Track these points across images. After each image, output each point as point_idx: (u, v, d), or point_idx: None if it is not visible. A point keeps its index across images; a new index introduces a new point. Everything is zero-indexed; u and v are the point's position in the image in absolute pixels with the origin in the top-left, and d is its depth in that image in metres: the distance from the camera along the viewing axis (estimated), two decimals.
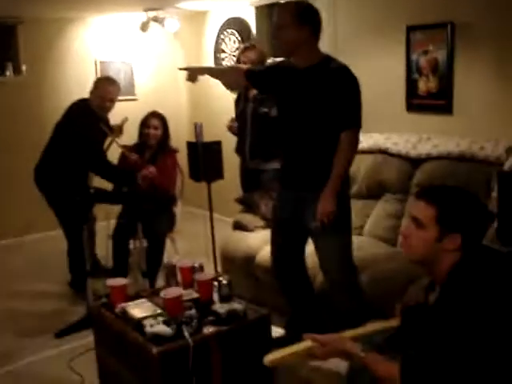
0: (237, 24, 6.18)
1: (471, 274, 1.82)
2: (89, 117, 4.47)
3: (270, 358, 2.13)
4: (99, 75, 6.46)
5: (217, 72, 3.89)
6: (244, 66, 3.64)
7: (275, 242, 3.44)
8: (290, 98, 3.14)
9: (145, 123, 4.68)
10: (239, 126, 4.63)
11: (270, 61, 5.26)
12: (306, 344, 2.04)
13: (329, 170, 3.05)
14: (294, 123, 3.15)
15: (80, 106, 4.56)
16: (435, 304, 1.90)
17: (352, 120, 3.03)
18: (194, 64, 6.99)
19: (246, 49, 4.59)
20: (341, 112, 3.00)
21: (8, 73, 6.29)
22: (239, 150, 4.67)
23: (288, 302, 3.53)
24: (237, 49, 6.05)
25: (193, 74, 3.61)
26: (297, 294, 3.50)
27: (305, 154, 3.13)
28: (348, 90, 3.00)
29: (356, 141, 3.06)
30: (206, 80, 6.87)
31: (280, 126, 3.29)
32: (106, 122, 4.69)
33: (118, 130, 4.74)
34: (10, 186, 6.23)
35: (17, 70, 6.32)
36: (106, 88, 4.55)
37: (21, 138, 6.15)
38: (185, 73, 3.67)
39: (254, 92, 4.48)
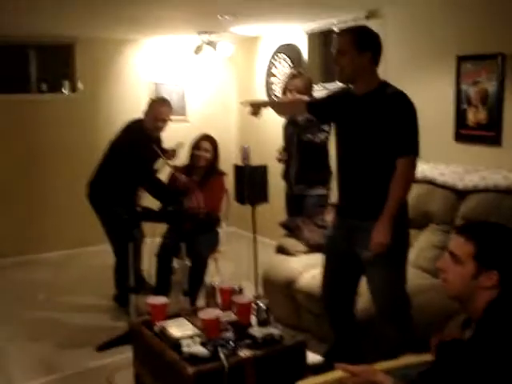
0: (289, 50, 6.25)
1: (507, 311, 1.79)
2: (142, 137, 4.62)
3: None
4: (152, 96, 6.61)
5: (279, 105, 3.87)
6: (305, 98, 3.63)
7: (327, 272, 3.37)
8: (348, 124, 3.13)
9: (196, 145, 4.79)
10: (286, 151, 4.67)
11: (318, 87, 5.33)
12: (337, 373, 2.04)
13: (385, 199, 2.98)
14: (350, 150, 3.12)
15: (135, 126, 4.71)
16: (470, 341, 1.87)
17: (409, 147, 2.97)
18: (246, 89, 7.12)
19: (293, 76, 4.64)
20: (398, 138, 2.95)
21: (64, 90, 6.52)
22: (285, 175, 4.72)
23: (332, 331, 3.47)
24: (287, 73, 6.11)
25: (256, 108, 3.62)
26: (343, 324, 3.42)
27: (361, 182, 3.07)
28: (405, 116, 2.96)
29: (413, 168, 3.00)
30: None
31: (336, 153, 3.26)
32: (159, 142, 4.82)
33: (172, 154, 4.85)
34: (64, 200, 6.44)
35: (73, 88, 6.54)
36: (159, 109, 4.69)
37: (75, 153, 6.36)
38: (242, 104, 3.71)
39: (301, 118, 4.52)
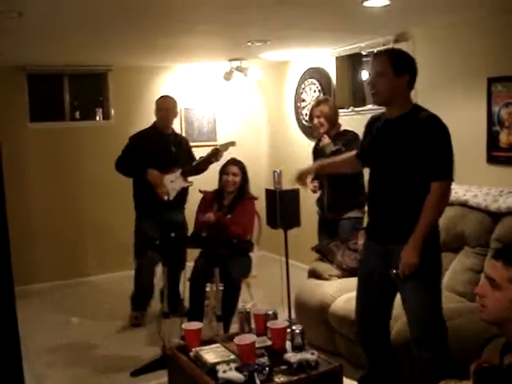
0: (317, 74, 6.30)
1: None
2: (150, 131, 5.15)
3: None
4: (183, 122, 6.74)
5: (330, 165, 3.82)
6: (353, 152, 3.61)
7: (360, 296, 3.36)
8: (381, 147, 3.13)
9: (224, 170, 4.82)
10: (319, 179, 4.68)
11: (347, 110, 5.35)
12: None
13: (416, 223, 2.98)
14: (383, 173, 3.12)
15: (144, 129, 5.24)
16: (510, 367, 1.86)
17: (444, 171, 2.97)
18: (275, 113, 7.17)
19: (318, 103, 4.68)
20: (432, 162, 2.94)
21: (98, 118, 6.65)
22: (319, 201, 4.74)
23: (366, 358, 3.44)
24: (316, 97, 6.14)
25: (304, 178, 3.64)
26: (377, 350, 3.39)
27: (393, 205, 3.06)
28: (439, 140, 2.96)
29: (447, 192, 3.00)
30: (286, 127, 7.03)
31: (369, 177, 3.27)
32: (179, 143, 5.16)
33: (217, 154, 5.00)
34: (101, 226, 6.60)
35: (106, 115, 6.67)
36: (161, 102, 5.19)
37: (107, 180, 6.44)
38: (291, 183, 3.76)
39: (329, 150, 4.52)
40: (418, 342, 3.10)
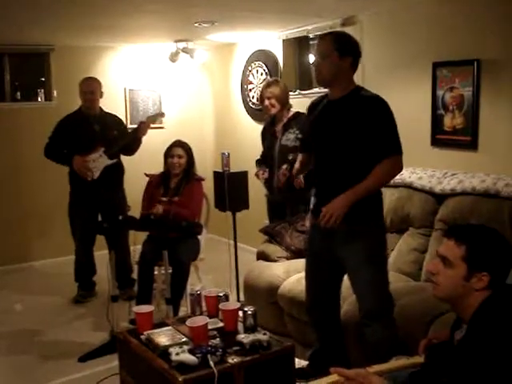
0: (264, 56, 6.29)
1: (498, 312, 1.84)
2: (75, 115, 5.16)
3: None
4: (128, 102, 6.64)
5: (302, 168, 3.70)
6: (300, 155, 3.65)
7: (310, 276, 3.41)
8: (324, 128, 3.16)
9: (169, 152, 4.75)
10: (268, 160, 4.68)
11: (294, 93, 5.36)
12: (332, 378, 2.07)
13: (365, 202, 3.04)
14: (328, 154, 3.15)
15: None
16: (461, 342, 1.92)
17: (393, 146, 3.03)
18: (222, 95, 7.15)
19: (269, 84, 4.68)
20: (381, 140, 3.00)
21: (40, 99, 6.48)
22: (267, 183, 4.73)
23: (316, 335, 3.50)
24: (263, 80, 6.15)
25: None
26: (327, 328, 3.46)
27: (338, 186, 3.07)
28: (384, 118, 3.02)
29: (398, 167, 3.05)
30: (233, 109, 7.02)
31: (313, 158, 3.30)
32: (107, 124, 5.14)
33: (141, 126, 5.00)
34: (42, 208, 6.46)
35: (48, 96, 6.50)
36: (85, 84, 5.15)
37: (48, 162, 6.29)
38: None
39: (279, 127, 4.57)
40: (369, 316, 3.17)
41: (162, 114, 5.14)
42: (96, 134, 5.04)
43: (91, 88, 5.10)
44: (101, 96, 5.22)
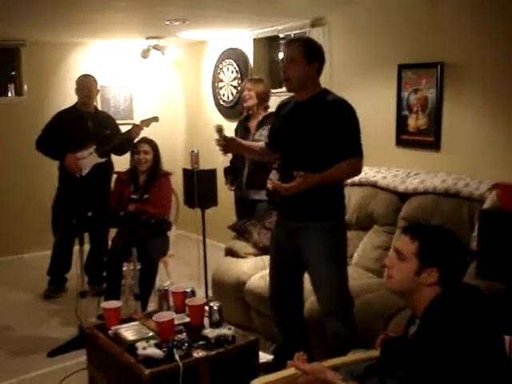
0: (235, 54, 6.34)
1: (448, 309, 1.93)
2: (71, 110, 5.16)
3: (256, 383, 2.23)
4: (99, 99, 6.62)
5: (248, 149, 3.77)
6: (261, 144, 3.72)
7: (273, 272, 3.50)
8: (289, 128, 3.26)
9: (135, 149, 4.79)
10: (238, 154, 4.76)
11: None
12: (290, 371, 2.15)
13: (329, 201, 3.18)
14: (294, 154, 3.24)
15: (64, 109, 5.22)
16: (414, 337, 2.01)
17: (354, 149, 3.13)
18: (193, 93, 7.18)
19: (253, 80, 4.76)
20: (342, 142, 3.10)
21: (10, 94, 6.45)
22: (235, 179, 4.81)
23: (279, 330, 3.59)
24: (234, 78, 6.21)
25: (229, 148, 3.60)
26: (290, 323, 3.55)
27: None
28: (348, 121, 3.12)
29: (357, 168, 3.16)
30: (203, 107, 7.05)
31: (279, 156, 3.39)
32: (94, 116, 5.18)
33: (135, 129, 5.07)
34: (12, 202, 6.44)
35: (18, 92, 6.48)
36: (81, 81, 5.19)
37: (20, 157, 6.29)
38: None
39: (254, 123, 4.64)
40: (329, 313, 3.27)
41: (155, 119, 5.14)
42: (89, 131, 5.06)
43: (88, 85, 5.16)
44: (96, 93, 5.32)
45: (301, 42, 3.23)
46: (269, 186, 4.31)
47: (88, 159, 4.96)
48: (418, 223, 2.46)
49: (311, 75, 3.16)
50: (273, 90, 5.82)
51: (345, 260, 3.36)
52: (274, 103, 3.89)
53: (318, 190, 3.14)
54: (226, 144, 3.46)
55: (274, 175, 4.42)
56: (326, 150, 3.12)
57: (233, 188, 4.88)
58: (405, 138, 4.52)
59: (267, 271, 3.95)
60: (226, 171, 4.91)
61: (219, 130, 3.43)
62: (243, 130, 4.78)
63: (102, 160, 5.05)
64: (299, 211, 3.24)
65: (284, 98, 3.60)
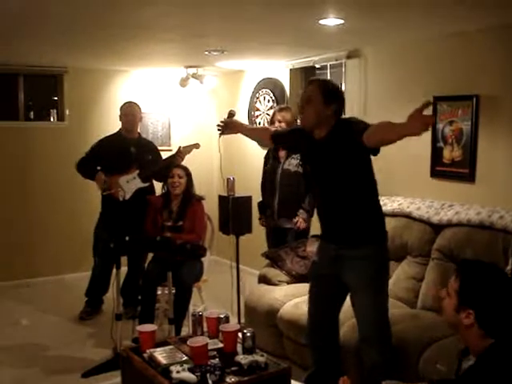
0: (271, 84, 6.45)
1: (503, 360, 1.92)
2: (115, 136, 5.35)
3: None
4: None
5: (247, 130, 4.04)
6: (273, 128, 3.85)
7: (313, 300, 3.49)
8: (317, 167, 3.32)
9: (169, 173, 4.91)
10: (268, 183, 4.84)
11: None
12: None
13: (370, 226, 3.21)
14: (325, 188, 3.30)
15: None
16: (468, 371, 2.00)
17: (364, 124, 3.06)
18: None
19: (282, 109, 4.85)
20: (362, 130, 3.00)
21: (52, 119, 6.65)
22: (268, 207, 4.87)
23: (314, 358, 3.57)
24: (270, 108, 6.30)
25: (227, 129, 3.80)
26: (325, 352, 3.53)
27: (342, 213, 3.23)
28: (356, 125, 3.08)
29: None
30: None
31: (315, 191, 3.46)
32: (138, 142, 5.32)
33: (178, 155, 5.13)
34: (54, 227, 6.60)
35: (60, 117, 6.67)
36: (126, 108, 5.38)
37: (61, 181, 6.45)
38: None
39: (282, 153, 4.71)
40: (367, 342, 3.27)
41: (196, 145, 5.23)
42: (132, 156, 5.21)
43: (132, 112, 5.35)
44: (140, 120, 5.48)
45: (318, 83, 3.25)
46: (300, 226, 4.45)
47: (131, 183, 5.07)
48: (467, 260, 2.42)
49: (327, 116, 3.17)
50: None
51: (386, 287, 3.36)
52: None
53: (360, 216, 3.19)
54: (223, 125, 3.72)
55: (302, 214, 4.54)
56: (359, 177, 3.17)
57: (265, 224, 4.98)
58: (439, 169, 4.54)
59: (300, 299, 4.00)
60: (260, 207, 4.99)
61: (230, 115, 3.77)
62: (274, 161, 4.87)
63: (145, 185, 5.16)
64: (341, 236, 3.27)
65: None
